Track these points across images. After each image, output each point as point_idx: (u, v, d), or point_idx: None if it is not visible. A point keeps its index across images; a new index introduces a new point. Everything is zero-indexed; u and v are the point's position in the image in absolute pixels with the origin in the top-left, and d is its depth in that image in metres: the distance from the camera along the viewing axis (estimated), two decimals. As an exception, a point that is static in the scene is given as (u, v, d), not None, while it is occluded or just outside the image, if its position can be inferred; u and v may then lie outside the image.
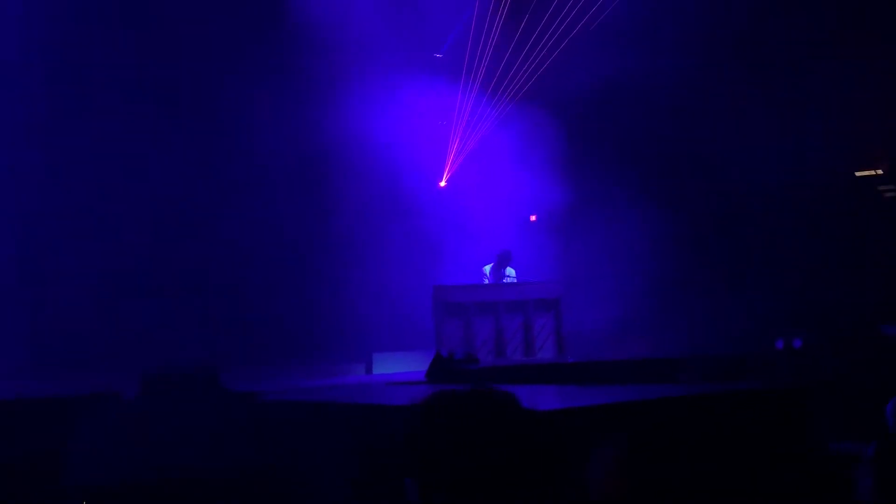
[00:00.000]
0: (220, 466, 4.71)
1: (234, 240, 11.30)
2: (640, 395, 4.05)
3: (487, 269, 10.59)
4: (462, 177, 12.72)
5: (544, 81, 12.19)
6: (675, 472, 3.42)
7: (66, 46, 10.72)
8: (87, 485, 4.72)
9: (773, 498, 3.57)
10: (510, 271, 10.54)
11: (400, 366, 10.84)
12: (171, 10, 11.05)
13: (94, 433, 5.20)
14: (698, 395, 3.99)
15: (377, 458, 3.73)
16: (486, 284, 10.34)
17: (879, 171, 12.49)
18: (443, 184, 12.74)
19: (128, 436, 5.23)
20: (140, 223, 11.03)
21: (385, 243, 11.79)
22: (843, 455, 4.22)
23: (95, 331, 10.48)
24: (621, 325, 11.18)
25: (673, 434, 3.57)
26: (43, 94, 10.70)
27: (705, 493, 3.41)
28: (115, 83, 10.96)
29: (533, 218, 12.70)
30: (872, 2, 11.47)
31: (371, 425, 4.02)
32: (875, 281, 11.08)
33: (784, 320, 10.43)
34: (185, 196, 11.23)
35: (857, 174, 12.55)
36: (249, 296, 11.30)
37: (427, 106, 12.29)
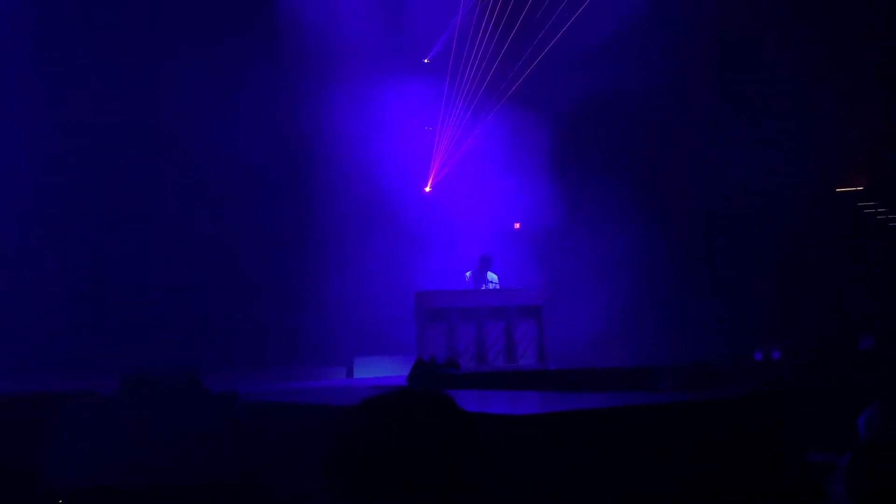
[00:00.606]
0: (199, 467, 4.70)
1: (216, 242, 11.27)
2: (618, 402, 4.08)
3: (469, 274, 10.62)
4: (447, 183, 12.74)
5: (530, 88, 12.25)
6: (652, 478, 3.45)
7: (53, 47, 10.67)
8: (65, 485, 4.70)
9: (747, 504, 3.61)
10: (492, 277, 10.56)
11: (381, 370, 10.84)
12: (159, 8, 11.03)
13: (72, 432, 5.18)
14: (675, 402, 4.03)
15: (350, 461, 3.74)
16: (469, 290, 10.36)
17: (860, 188, 12.65)
18: (428, 189, 12.77)
19: (106, 435, 5.21)
20: (120, 225, 10.99)
21: (368, 248, 11.79)
22: (819, 464, 4.27)
23: (74, 333, 10.41)
24: (603, 333, 11.23)
25: (650, 440, 3.60)
26: (27, 92, 10.64)
27: (682, 498, 3.44)
28: (100, 83, 10.92)
29: (517, 225, 12.75)
30: (857, 18, 11.62)
31: (345, 427, 4.02)
32: (855, 295, 11.21)
33: (763, 332, 10.52)
34: (166, 198, 11.20)
35: (838, 190, 12.69)
36: (231, 298, 11.27)
37: (413, 111, 12.32)
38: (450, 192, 12.68)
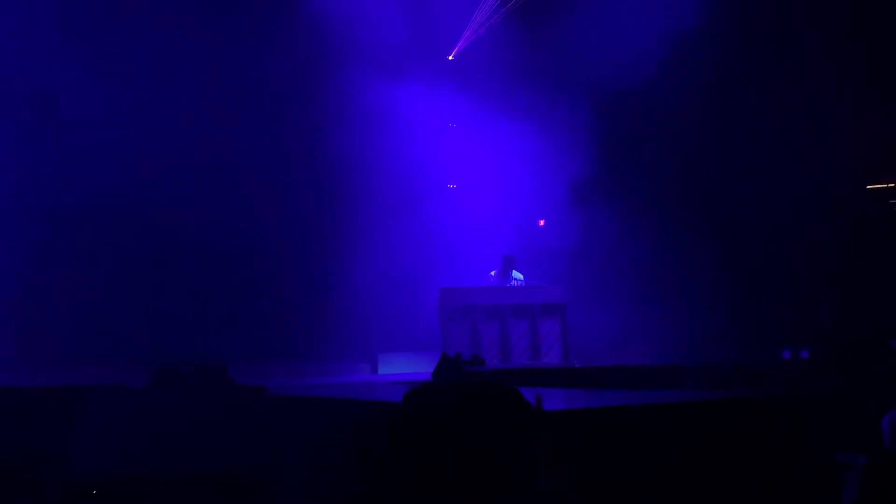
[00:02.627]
0: (227, 458, 4.75)
1: (241, 238, 11.33)
2: (644, 400, 4.07)
3: (493, 273, 10.62)
4: (472, 179, 12.74)
5: (556, 86, 12.21)
6: (677, 475, 3.44)
7: (69, 43, 10.68)
8: (96, 474, 4.77)
9: (775, 502, 3.59)
10: (518, 275, 10.56)
11: (405, 367, 10.87)
12: (178, 5, 11.08)
13: (102, 424, 5.25)
14: (702, 400, 4.01)
15: (378, 455, 3.76)
16: (493, 287, 10.36)
17: (891, 184, 12.48)
18: (452, 186, 12.78)
19: (135, 427, 5.28)
20: (148, 219, 11.06)
21: (393, 244, 11.82)
22: (845, 464, 4.24)
23: (102, 328, 10.51)
24: (628, 331, 11.18)
25: (676, 438, 3.59)
26: (38, 88, 10.68)
27: (708, 496, 3.43)
28: (116, 79, 10.92)
29: (541, 222, 12.72)
30: (882, 11, 11.45)
31: (373, 423, 4.06)
32: (887, 294, 11.05)
33: (792, 331, 10.42)
34: (192, 193, 11.27)
35: (869, 187, 12.54)
36: (256, 295, 11.33)
37: (437, 108, 12.33)
38: (474, 189, 12.69)
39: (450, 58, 12.73)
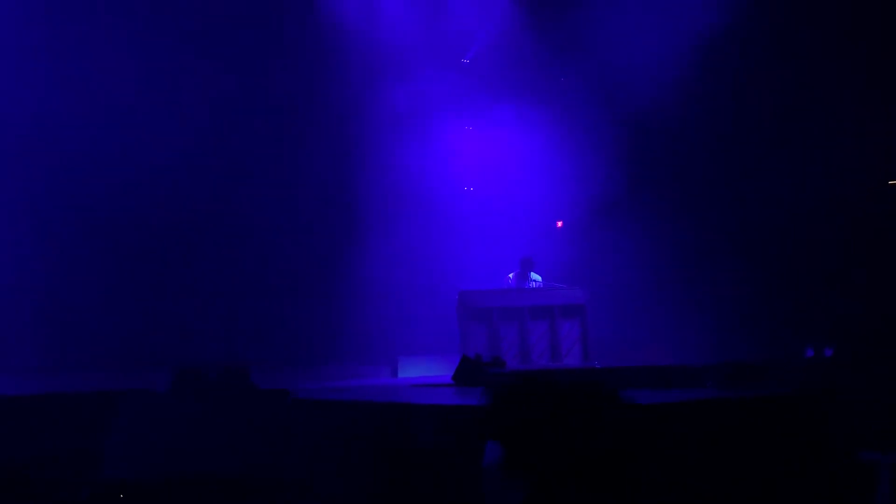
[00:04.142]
0: (251, 461, 4.79)
1: (261, 242, 11.43)
2: (667, 398, 4.08)
3: (512, 276, 10.62)
4: (489, 181, 12.76)
5: (573, 87, 12.20)
6: (702, 474, 3.44)
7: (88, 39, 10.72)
8: (123, 477, 4.83)
9: (798, 501, 3.58)
10: (536, 277, 10.56)
11: (424, 369, 10.90)
12: (199, 12, 11.18)
13: (130, 428, 5.32)
14: (724, 398, 4.01)
15: (407, 457, 3.79)
16: (512, 289, 10.37)
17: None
18: (469, 188, 12.80)
19: (159, 430, 5.34)
20: (169, 226, 11.15)
21: (412, 247, 11.86)
22: (870, 462, 4.22)
23: (122, 331, 10.61)
24: (649, 331, 11.14)
25: (700, 437, 3.60)
26: (55, 87, 10.77)
27: (732, 494, 3.43)
28: (142, 79, 11.00)
29: (560, 224, 12.71)
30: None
31: (400, 425, 4.08)
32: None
33: (816, 329, 10.34)
34: (212, 197, 11.35)
35: (891, 182, 12.41)
36: (274, 298, 11.40)
37: (454, 110, 12.36)
38: (492, 191, 12.71)
39: (465, 60, 12.75)
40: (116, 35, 10.86)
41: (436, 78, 12.09)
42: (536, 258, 10.80)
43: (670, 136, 12.21)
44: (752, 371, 7.11)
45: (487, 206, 12.58)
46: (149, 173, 10.91)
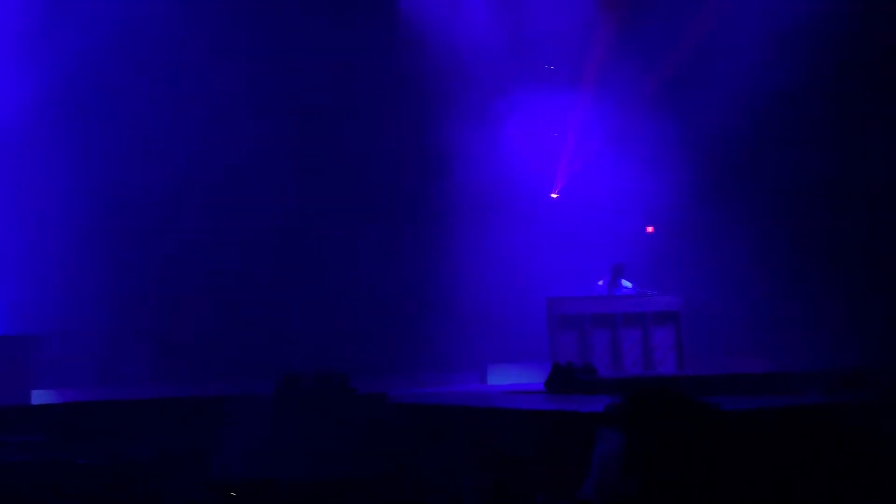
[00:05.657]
0: (351, 462, 4.98)
1: (352, 252, 11.72)
2: (760, 404, 4.06)
3: (601, 283, 10.57)
4: (576, 187, 12.72)
5: (667, 91, 12.07)
6: (792, 477, 3.44)
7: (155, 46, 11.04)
8: (232, 476, 5.10)
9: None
10: (627, 284, 10.48)
11: (514, 377, 10.93)
12: (277, 16, 11.52)
13: (236, 430, 5.61)
14: (821, 404, 3.98)
15: (505, 462, 3.89)
16: (603, 296, 10.31)
17: None
18: (554, 195, 12.77)
19: (265, 432, 5.61)
20: (261, 234, 11.51)
21: (501, 254, 11.94)
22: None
23: (221, 339, 11.04)
24: (744, 339, 10.89)
25: (796, 442, 3.59)
26: (146, 93, 11.07)
27: (824, 497, 3.41)
28: (209, 80, 11.13)
29: (650, 229, 12.57)
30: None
31: (499, 430, 4.18)
32: None
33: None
34: (307, 208, 11.71)
35: None
36: (365, 306, 11.65)
37: (540, 116, 12.39)
38: (580, 197, 12.66)
39: (550, 67, 12.77)
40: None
41: (521, 84, 12.17)
42: (629, 265, 10.71)
43: (766, 145, 11.94)
44: (855, 377, 6.92)
45: (577, 212, 12.53)
46: (256, 192, 11.34)
